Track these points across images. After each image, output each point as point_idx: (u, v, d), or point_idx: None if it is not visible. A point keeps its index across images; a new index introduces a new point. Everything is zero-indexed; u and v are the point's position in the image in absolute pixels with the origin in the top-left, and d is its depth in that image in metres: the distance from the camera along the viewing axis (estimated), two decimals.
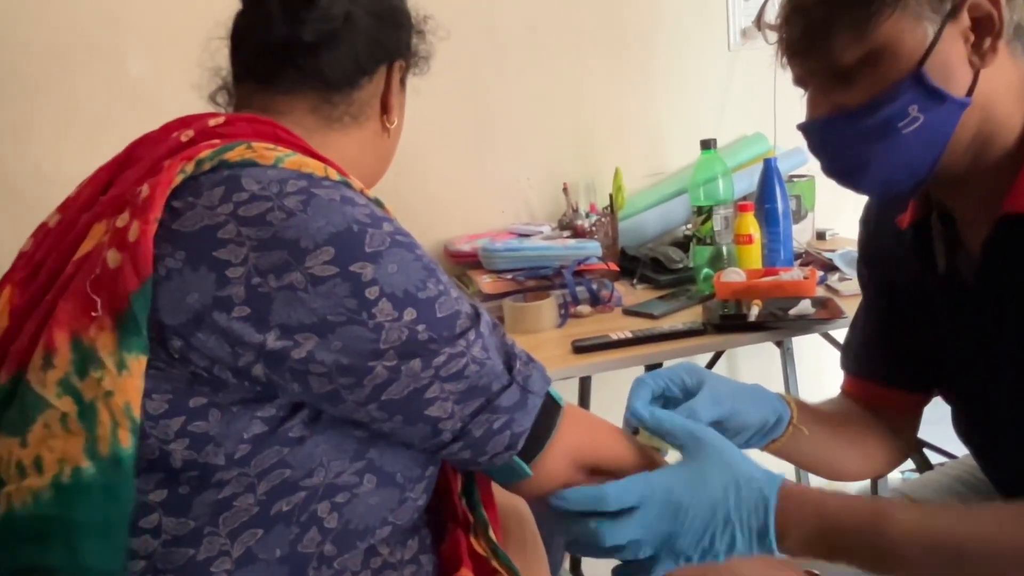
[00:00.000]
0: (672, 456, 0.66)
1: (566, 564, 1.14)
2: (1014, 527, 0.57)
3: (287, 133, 0.62)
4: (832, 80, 0.68)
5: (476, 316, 0.58)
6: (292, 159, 0.57)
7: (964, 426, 0.85)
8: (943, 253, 0.76)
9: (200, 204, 0.54)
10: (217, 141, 0.58)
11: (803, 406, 0.84)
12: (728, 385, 0.77)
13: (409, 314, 0.54)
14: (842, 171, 0.71)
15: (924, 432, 1.14)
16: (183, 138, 0.60)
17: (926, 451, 1.12)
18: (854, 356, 0.92)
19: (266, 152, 0.57)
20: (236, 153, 0.57)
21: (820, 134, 0.71)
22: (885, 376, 0.87)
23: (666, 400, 0.75)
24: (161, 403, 0.54)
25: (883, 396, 0.88)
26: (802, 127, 0.73)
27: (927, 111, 0.64)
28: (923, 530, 0.58)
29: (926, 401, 0.89)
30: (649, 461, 0.64)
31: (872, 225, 0.87)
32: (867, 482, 1.69)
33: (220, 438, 0.54)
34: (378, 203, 0.60)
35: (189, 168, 0.56)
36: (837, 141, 0.69)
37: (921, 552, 0.58)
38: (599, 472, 0.62)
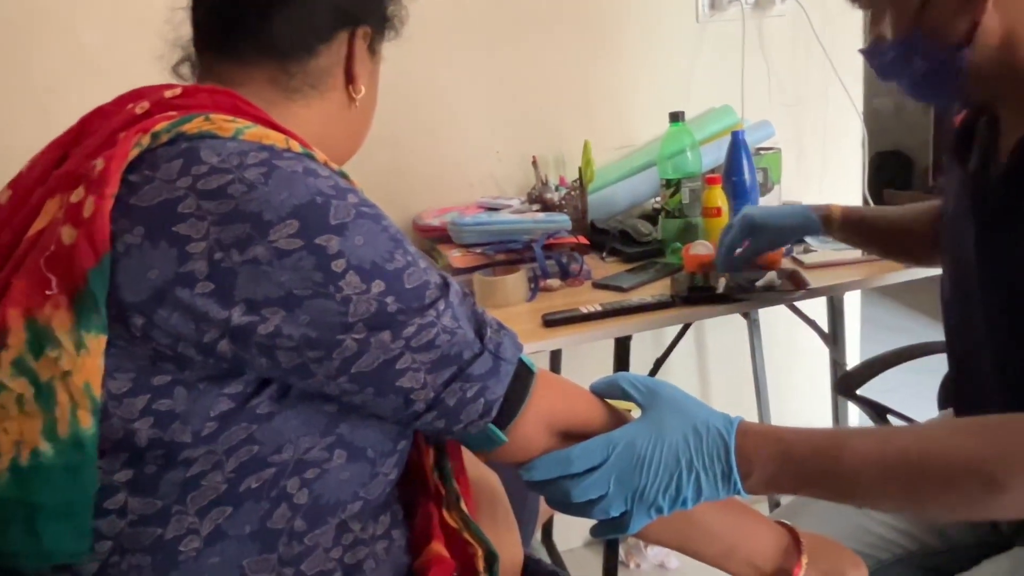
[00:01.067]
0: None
1: (538, 535, 1.15)
2: (966, 441, 0.59)
3: (247, 104, 0.60)
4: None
5: (445, 286, 0.58)
6: (252, 131, 0.56)
7: (946, 318, 0.91)
8: (978, 154, 0.82)
9: (158, 178, 0.53)
10: (174, 113, 0.57)
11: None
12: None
13: (377, 286, 0.53)
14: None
15: (886, 400, 1.18)
16: (138, 110, 0.58)
17: (889, 417, 1.16)
18: None
19: (225, 124, 0.56)
20: (194, 125, 0.55)
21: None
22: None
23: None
24: (124, 382, 0.53)
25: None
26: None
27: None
28: (880, 453, 0.59)
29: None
30: (622, 423, 0.65)
31: (943, 125, 1.00)
32: (830, 418, 1.74)
33: (186, 416, 0.53)
34: (342, 175, 0.58)
35: (145, 141, 0.54)
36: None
37: (879, 475, 0.59)
38: (574, 436, 0.62)
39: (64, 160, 0.58)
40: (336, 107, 0.69)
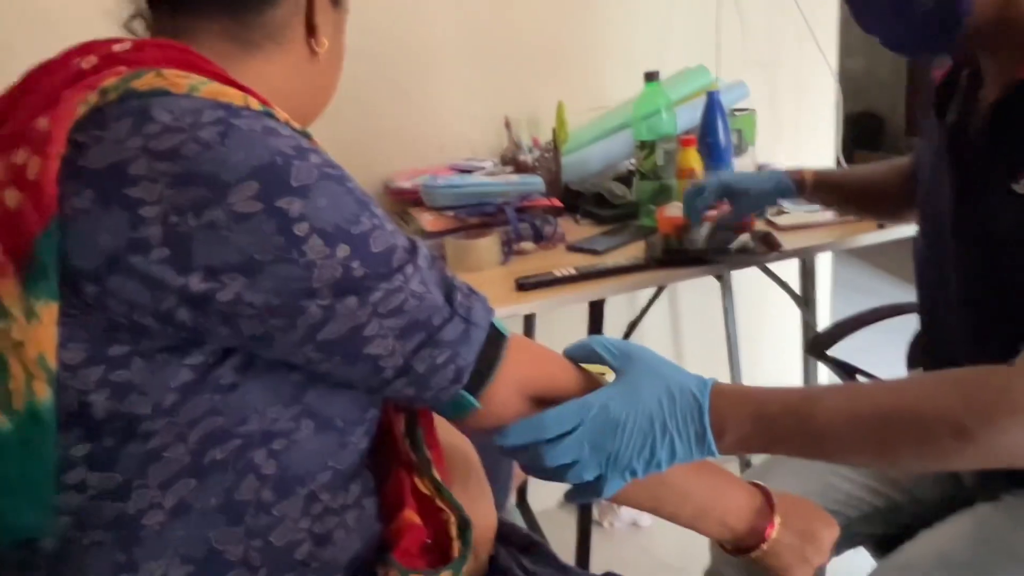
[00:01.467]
0: None
1: (512, 498, 1.16)
2: (937, 393, 0.59)
3: (202, 60, 0.57)
4: None
5: (413, 249, 0.56)
6: (208, 87, 0.53)
7: (919, 278, 0.93)
8: (957, 106, 0.83)
9: (107, 138, 0.50)
10: (123, 68, 0.53)
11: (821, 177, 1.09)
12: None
13: (342, 250, 0.51)
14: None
15: (856, 360, 1.19)
16: (85, 65, 0.54)
17: (859, 377, 1.17)
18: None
19: (178, 80, 0.53)
20: (145, 81, 0.52)
21: None
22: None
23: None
24: (78, 352, 0.50)
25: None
26: None
27: None
28: (852, 408, 0.60)
29: None
30: (596, 387, 0.64)
31: (918, 84, 1.00)
32: (800, 379, 1.76)
33: (145, 387, 0.52)
34: (305, 134, 0.56)
35: (92, 98, 0.51)
36: None
37: (852, 430, 0.59)
38: (548, 401, 0.61)
39: (5, 120, 0.54)
40: (297, 61, 0.65)
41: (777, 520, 0.68)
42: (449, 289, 0.57)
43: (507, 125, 1.59)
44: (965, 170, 0.81)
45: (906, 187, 1.00)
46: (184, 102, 0.52)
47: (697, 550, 1.08)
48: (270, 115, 0.54)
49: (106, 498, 0.53)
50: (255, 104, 0.54)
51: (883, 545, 0.98)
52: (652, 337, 1.92)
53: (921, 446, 0.58)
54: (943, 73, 0.87)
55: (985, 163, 0.78)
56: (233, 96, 0.53)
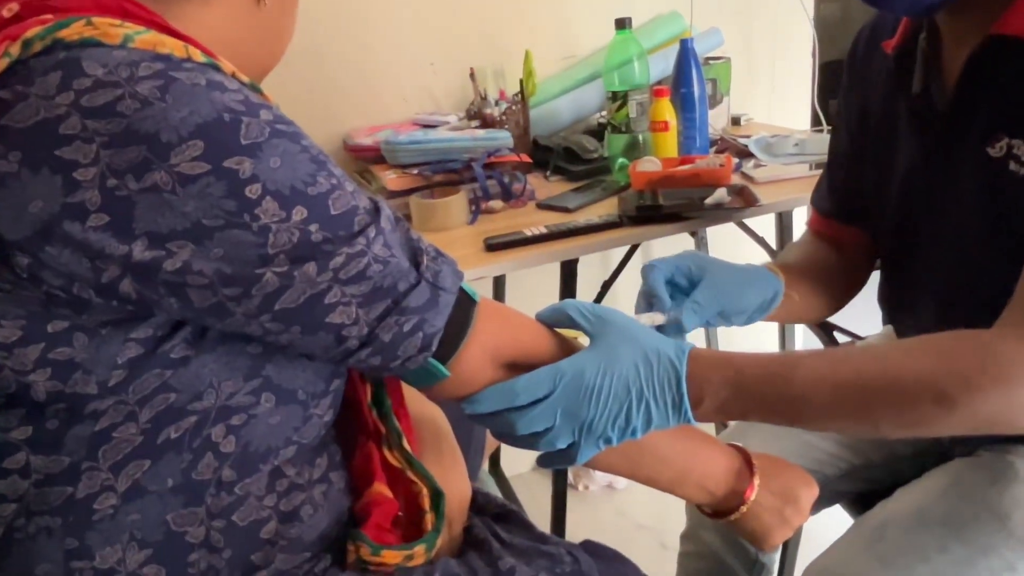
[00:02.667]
0: None
1: (485, 465, 1.16)
2: (918, 359, 0.60)
3: (137, 6, 0.54)
4: None
5: (375, 211, 0.54)
6: (144, 37, 0.50)
7: (886, 263, 0.92)
8: (921, 74, 0.80)
9: (33, 94, 0.47)
10: (49, 17, 0.50)
11: (787, 270, 0.91)
12: (728, 272, 0.83)
13: (299, 213, 0.49)
14: None
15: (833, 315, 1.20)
16: (5, 13, 0.51)
17: (836, 334, 1.19)
18: (819, 193, 1.01)
19: (111, 29, 0.49)
20: (73, 31, 0.49)
21: None
22: (841, 214, 0.97)
23: (673, 287, 0.82)
24: (13, 330, 0.48)
25: (841, 232, 0.98)
26: None
27: None
28: (832, 374, 0.60)
29: None
30: (570, 352, 0.63)
31: (859, 56, 0.93)
32: (776, 337, 1.79)
33: (89, 365, 0.50)
34: (254, 88, 0.53)
35: (15, 50, 0.47)
36: None
37: (831, 396, 0.59)
38: (520, 368, 0.61)
39: None
40: (241, 7, 0.62)
41: (756, 481, 0.68)
42: (415, 252, 0.55)
43: (472, 76, 1.56)
44: (934, 139, 0.80)
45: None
46: (118, 53, 0.48)
47: (674, 512, 1.10)
48: (215, 67, 0.51)
49: (52, 483, 0.52)
50: (198, 55, 0.51)
51: (860, 503, 1.00)
52: (626, 297, 1.91)
53: (902, 412, 0.58)
54: (895, 43, 0.84)
55: (955, 130, 0.77)
56: (173, 46, 0.50)
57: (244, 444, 0.56)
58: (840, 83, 0.98)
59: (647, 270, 0.82)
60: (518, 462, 1.92)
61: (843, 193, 0.97)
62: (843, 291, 0.98)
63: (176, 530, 0.54)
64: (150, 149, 0.46)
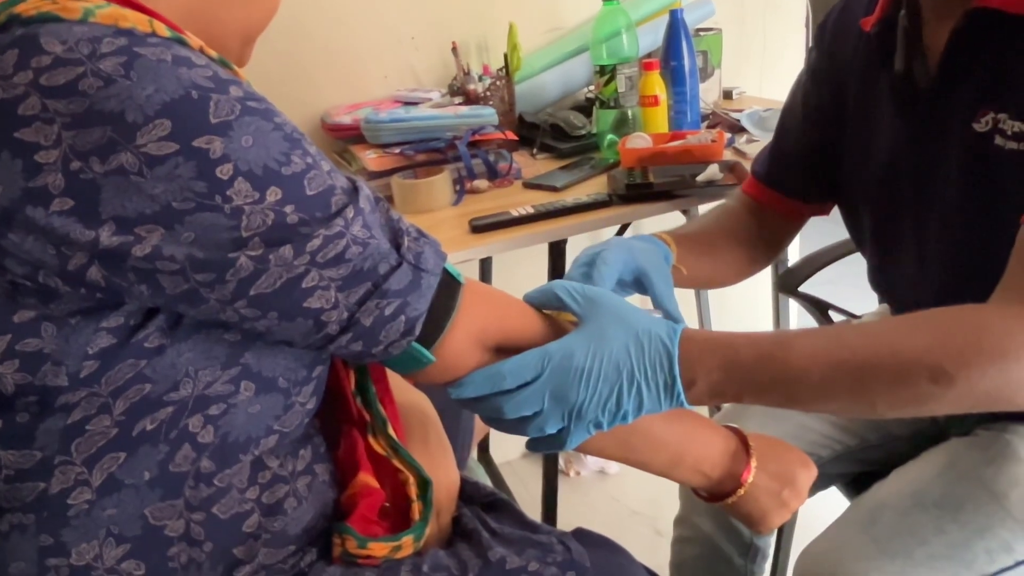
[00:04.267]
0: None
1: (474, 452, 1.16)
2: (914, 335, 0.60)
3: None
4: None
5: (353, 190, 0.53)
6: (105, 11, 0.49)
7: (875, 248, 0.93)
8: (903, 52, 0.81)
9: None
10: None
11: (679, 240, 0.92)
12: (625, 250, 0.82)
13: (273, 194, 0.49)
14: None
15: (827, 294, 1.21)
16: None
17: (831, 313, 1.19)
18: (764, 160, 1.03)
19: (71, 3, 0.48)
20: (31, 5, 0.48)
21: None
22: (787, 187, 0.99)
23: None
24: None
25: (777, 203, 1.00)
26: None
27: None
28: (827, 354, 0.60)
29: (820, 212, 1.02)
30: (559, 334, 0.63)
31: (829, 34, 0.94)
32: (770, 316, 1.80)
33: (59, 356, 0.49)
34: (223, 63, 0.52)
35: None
36: None
37: (827, 376, 0.59)
38: (508, 351, 0.60)
39: None
40: None
41: (753, 463, 0.68)
42: (396, 233, 0.55)
43: (454, 51, 1.55)
44: (919, 118, 0.81)
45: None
46: (79, 29, 0.47)
47: (667, 497, 1.11)
48: (181, 42, 0.50)
49: (24, 478, 0.51)
50: (163, 29, 0.50)
51: (856, 484, 1.02)
52: None
53: (898, 390, 0.58)
54: (873, 21, 0.85)
55: (940, 107, 0.78)
56: (137, 20, 0.49)
57: (223, 435, 0.55)
58: (807, 58, 0.99)
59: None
60: (508, 449, 1.92)
61: (782, 160, 0.99)
62: (751, 258, 1.00)
63: (154, 524, 0.54)
64: (115, 129, 0.45)
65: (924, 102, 0.80)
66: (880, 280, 0.95)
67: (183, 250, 0.47)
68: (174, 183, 0.46)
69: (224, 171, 0.47)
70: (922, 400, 0.58)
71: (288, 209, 0.49)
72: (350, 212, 0.52)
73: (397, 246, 0.54)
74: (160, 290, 0.49)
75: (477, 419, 0.91)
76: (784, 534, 1.17)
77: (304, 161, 0.51)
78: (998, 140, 0.72)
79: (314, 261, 0.50)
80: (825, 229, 1.12)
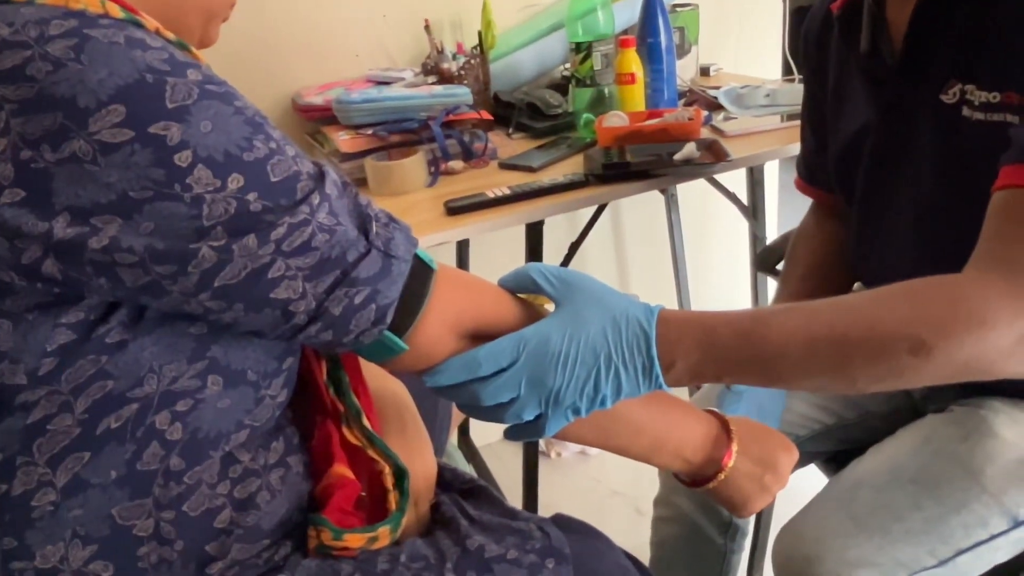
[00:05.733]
0: None
1: (453, 438, 1.15)
2: (892, 307, 0.60)
3: None
4: None
5: (319, 176, 0.52)
6: None
7: (858, 229, 0.94)
8: (868, 32, 0.82)
9: None
10: None
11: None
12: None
13: (235, 181, 0.47)
14: None
15: None
16: None
17: None
18: (799, 160, 1.07)
19: None
20: None
21: None
22: (821, 183, 1.03)
23: None
24: None
25: (824, 199, 1.04)
26: None
27: None
28: (806, 330, 0.60)
29: None
30: (535, 319, 0.62)
31: (811, 22, 0.96)
32: (749, 295, 1.80)
33: (16, 353, 0.48)
34: (181, 45, 0.50)
35: None
36: None
37: (806, 352, 0.59)
38: (484, 337, 0.60)
39: None
40: None
41: (734, 448, 0.68)
42: (364, 219, 0.54)
43: (427, 29, 1.52)
44: (887, 96, 0.82)
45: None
46: (26, 11, 0.45)
47: (648, 477, 1.11)
48: (135, 23, 0.49)
49: None
50: (115, 10, 0.48)
51: (834, 462, 1.02)
52: (595, 258, 1.92)
53: (878, 364, 0.58)
54: (840, 3, 0.86)
55: (908, 83, 0.79)
56: (88, 1, 0.47)
57: (192, 431, 0.54)
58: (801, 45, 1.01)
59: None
60: (488, 432, 1.92)
61: (808, 157, 1.03)
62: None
63: (123, 524, 0.53)
64: (67, 116, 0.44)
65: (892, 79, 0.81)
66: (857, 259, 0.96)
67: (142, 241, 0.46)
68: (130, 171, 0.45)
69: (183, 158, 0.46)
70: (902, 372, 0.58)
71: (251, 196, 0.48)
72: (316, 198, 0.50)
73: (365, 232, 0.53)
74: (120, 283, 0.47)
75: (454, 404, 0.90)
76: (764, 512, 1.18)
77: (267, 146, 0.49)
78: (965, 111, 0.73)
79: (280, 250, 0.49)
80: (802, 207, 1.11)
